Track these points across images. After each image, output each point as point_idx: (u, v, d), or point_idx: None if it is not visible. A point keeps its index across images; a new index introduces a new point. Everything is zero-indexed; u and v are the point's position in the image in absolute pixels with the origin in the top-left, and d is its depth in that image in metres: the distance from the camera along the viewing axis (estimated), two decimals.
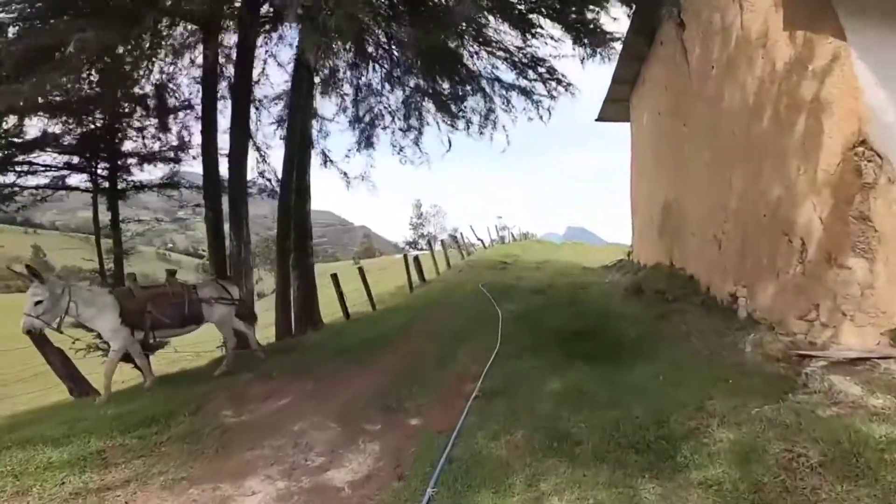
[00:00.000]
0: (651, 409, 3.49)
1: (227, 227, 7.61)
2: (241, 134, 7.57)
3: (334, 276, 9.52)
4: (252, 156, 8.98)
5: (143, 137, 8.57)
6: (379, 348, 5.82)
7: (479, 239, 21.96)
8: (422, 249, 51.43)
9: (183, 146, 8.77)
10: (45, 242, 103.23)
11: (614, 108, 12.82)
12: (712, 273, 6.73)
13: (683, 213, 7.93)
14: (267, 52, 9.24)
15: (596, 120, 13.63)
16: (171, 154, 8.78)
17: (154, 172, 8.86)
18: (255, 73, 8.67)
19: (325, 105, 11.11)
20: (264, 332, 10.16)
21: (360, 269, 10.78)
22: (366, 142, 10.79)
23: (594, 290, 9.65)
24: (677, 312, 6.79)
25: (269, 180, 9.56)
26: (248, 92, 7.86)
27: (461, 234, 20.86)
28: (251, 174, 9.17)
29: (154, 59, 7.37)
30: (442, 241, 15.03)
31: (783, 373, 4.03)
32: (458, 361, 5.11)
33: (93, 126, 7.79)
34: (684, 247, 7.90)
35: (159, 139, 8.63)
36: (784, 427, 2.94)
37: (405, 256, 12.32)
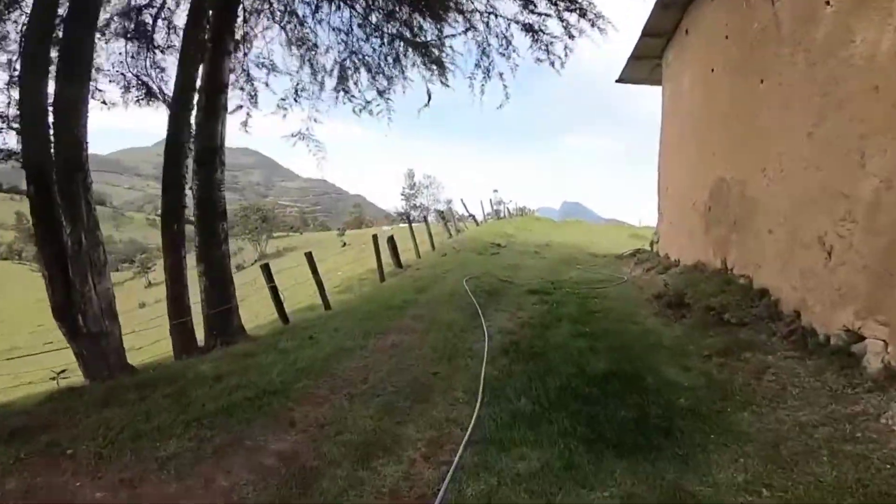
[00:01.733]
0: None
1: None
2: (73, 76, 4.91)
3: (265, 268, 7.21)
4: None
5: None
6: (276, 410, 3.55)
7: (470, 214, 19.56)
8: (414, 221, 48.98)
9: None
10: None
11: (640, 66, 10.35)
12: (810, 292, 4.46)
13: (753, 200, 5.61)
14: None
15: (617, 81, 11.13)
16: None
17: None
18: None
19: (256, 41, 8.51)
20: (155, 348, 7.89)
21: (308, 256, 8.41)
22: (324, 87, 8.34)
23: (613, 294, 7.39)
24: (751, 347, 4.58)
25: None
26: (87, 12, 5.15)
27: (450, 208, 18.47)
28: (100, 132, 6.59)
29: None
30: (425, 217, 12.62)
31: None
32: (399, 456, 2.86)
33: None
34: (752, 247, 5.62)
35: None
36: None
37: (374, 238, 9.95)
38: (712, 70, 7.17)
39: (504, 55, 7.40)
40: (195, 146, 6.02)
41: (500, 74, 7.75)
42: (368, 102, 8.37)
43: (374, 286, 9.90)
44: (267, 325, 8.72)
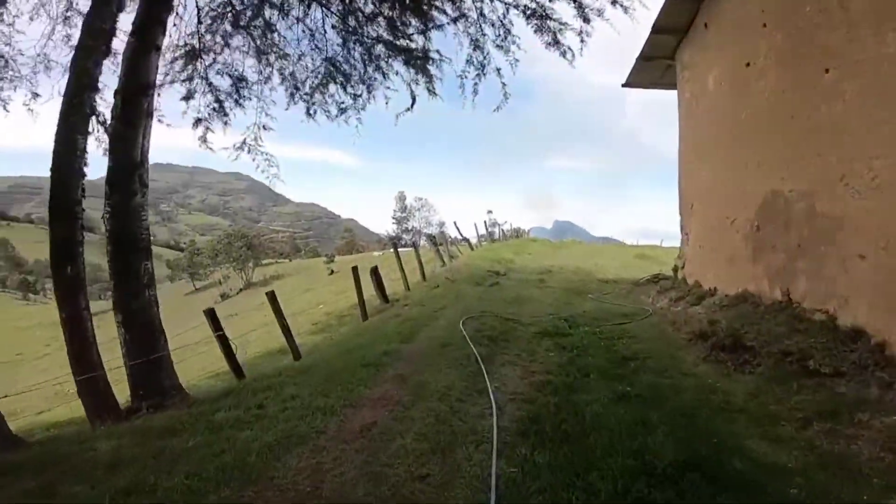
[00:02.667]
0: None
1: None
2: None
3: (209, 314, 5.83)
4: None
5: None
6: None
7: (463, 238, 18.19)
8: (405, 246, 47.69)
9: None
10: (19, 235, 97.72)
11: (650, 69, 9.31)
12: None
13: (829, 218, 4.36)
14: None
15: (623, 85, 10.08)
16: None
17: None
18: None
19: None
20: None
21: (271, 296, 7.04)
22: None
23: (642, 332, 6.08)
24: (862, 405, 3.34)
25: None
26: None
27: (442, 231, 17.16)
28: None
29: None
30: (414, 243, 11.31)
31: None
32: None
33: None
34: (833, 276, 4.35)
35: None
36: None
37: (354, 270, 8.61)
38: (747, 64, 6.05)
39: (502, 47, 6.27)
40: (109, 162, 4.71)
41: (498, 70, 6.60)
42: (343, 111, 7.21)
43: (355, 325, 8.52)
44: (225, 375, 7.28)
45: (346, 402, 3.97)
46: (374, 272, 9.15)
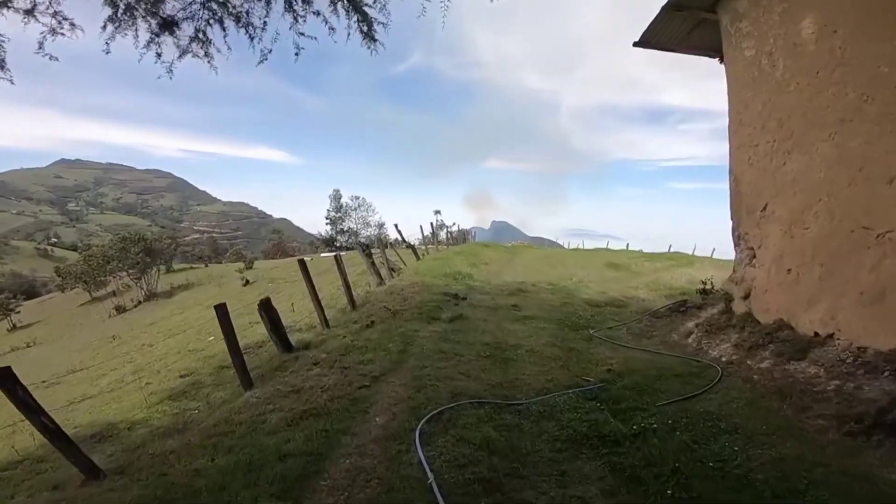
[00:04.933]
0: None
1: None
2: None
3: None
4: None
5: None
6: None
7: (406, 244, 14.69)
8: (340, 248, 43.15)
9: None
10: None
11: (676, 23, 6.66)
12: None
13: None
14: None
15: (635, 44, 7.30)
16: None
17: None
18: None
19: None
20: None
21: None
22: None
23: (749, 425, 3.23)
24: None
25: None
26: None
27: (380, 236, 13.77)
28: None
29: None
30: (336, 256, 7.84)
31: None
32: None
33: None
34: None
35: None
36: None
37: (217, 310, 5.02)
38: None
39: None
40: None
41: None
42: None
43: (227, 398, 5.04)
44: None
45: None
46: (266, 308, 5.63)
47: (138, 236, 29.45)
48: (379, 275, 9.47)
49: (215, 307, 5.16)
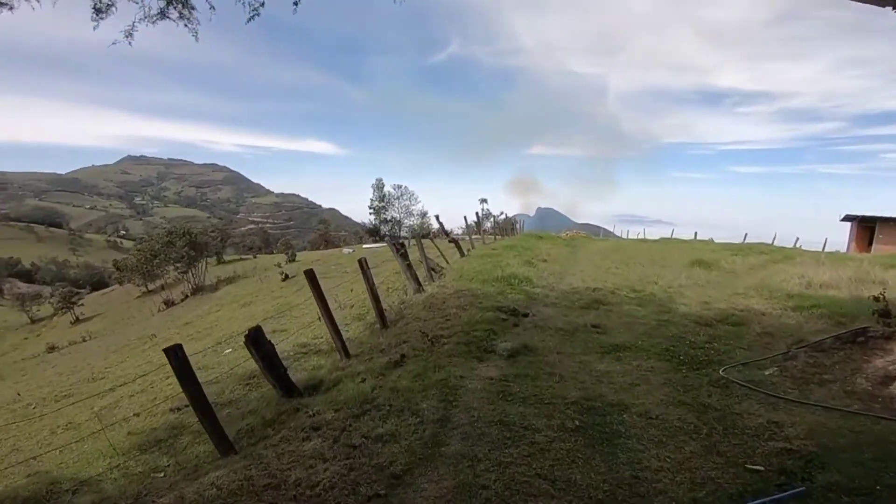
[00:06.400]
0: None
1: None
2: None
3: None
4: None
5: None
6: None
7: (448, 238, 12.75)
8: (384, 237, 41.97)
9: None
10: None
11: None
12: None
13: None
14: None
15: None
16: None
17: None
18: None
19: None
20: None
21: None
22: None
23: None
24: None
25: None
26: None
27: (420, 227, 11.87)
28: None
29: None
30: (361, 263, 6.02)
31: None
32: None
33: None
34: None
35: None
36: None
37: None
38: None
39: None
40: None
41: None
42: None
43: (200, 463, 3.43)
44: None
45: None
46: (255, 341, 3.97)
47: (183, 230, 29.32)
48: (416, 279, 7.66)
49: (167, 354, 3.49)
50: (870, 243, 22.66)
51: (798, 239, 25.95)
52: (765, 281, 9.77)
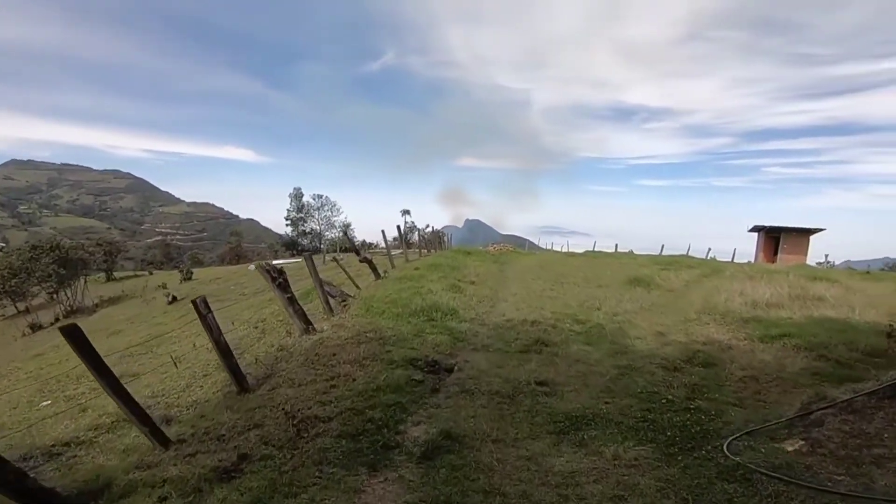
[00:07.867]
0: None
1: None
2: None
3: None
4: None
5: None
6: None
7: (361, 257, 10.74)
8: (302, 252, 38.69)
9: None
10: None
11: None
12: None
13: None
14: None
15: None
16: None
17: None
18: None
19: None
20: None
21: None
22: None
23: None
24: None
25: None
26: None
27: (346, 233, 9.81)
28: None
29: None
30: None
31: None
32: None
33: None
34: None
35: None
36: None
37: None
38: None
39: None
40: None
41: None
42: None
43: None
44: None
45: None
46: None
47: (51, 244, 24.63)
48: (302, 316, 5.68)
49: None
50: (775, 252, 23.87)
51: (710, 249, 27.18)
52: (709, 301, 8.94)
